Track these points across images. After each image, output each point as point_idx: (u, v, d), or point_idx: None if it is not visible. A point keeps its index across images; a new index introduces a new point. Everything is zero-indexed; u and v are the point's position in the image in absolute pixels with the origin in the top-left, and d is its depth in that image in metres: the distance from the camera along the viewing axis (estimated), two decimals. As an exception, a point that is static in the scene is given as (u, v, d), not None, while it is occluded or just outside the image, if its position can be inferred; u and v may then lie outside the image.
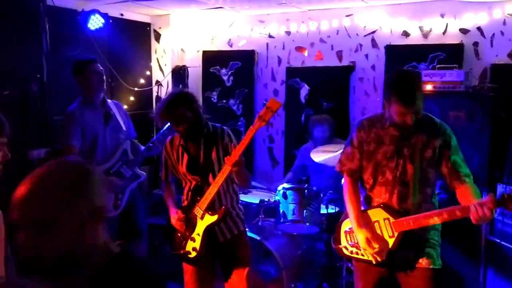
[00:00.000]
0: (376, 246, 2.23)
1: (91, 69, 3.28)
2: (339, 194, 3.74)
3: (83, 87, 3.32)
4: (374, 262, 2.29)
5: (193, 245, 2.63)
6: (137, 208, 3.51)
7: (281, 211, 3.47)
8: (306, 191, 3.47)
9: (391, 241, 2.24)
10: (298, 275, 3.55)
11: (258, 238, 3.36)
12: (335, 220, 3.67)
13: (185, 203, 2.76)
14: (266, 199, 3.60)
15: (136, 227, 3.60)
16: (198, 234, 2.61)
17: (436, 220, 2.09)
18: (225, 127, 2.76)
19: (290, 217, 3.42)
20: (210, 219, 2.60)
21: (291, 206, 3.44)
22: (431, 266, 2.23)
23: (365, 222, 2.31)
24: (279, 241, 3.49)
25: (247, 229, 3.35)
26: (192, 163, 2.68)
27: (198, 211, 2.63)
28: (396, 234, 2.22)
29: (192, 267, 2.73)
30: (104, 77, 3.38)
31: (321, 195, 3.59)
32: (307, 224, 3.41)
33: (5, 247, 1.38)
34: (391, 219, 2.24)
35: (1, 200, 1.39)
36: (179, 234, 2.71)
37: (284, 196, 3.47)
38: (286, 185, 3.56)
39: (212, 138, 2.68)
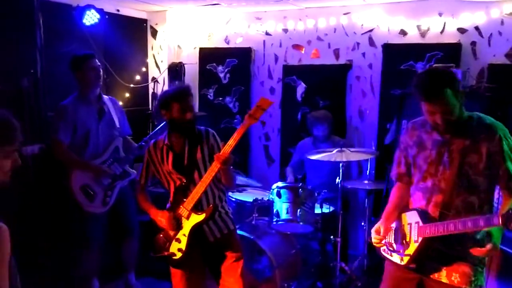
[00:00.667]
0: (379, 236, 2.25)
1: (89, 64, 3.28)
2: (334, 193, 3.73)
3: (80, 82, 3.31)
4: (399, 263, 2.23)
5: (178, 246, 2.59)
6: (127, 205, 3.49)
7: (274, 210, 3.44)
8: (300, 190, 3.45)
9: (414, 246, 2.16)
10: (291, 274, 3.53)
11: (252, 237, 3.34)
12: (330, 219, 3.68)
13: (171, 205, 2.69)
14: (260, 198, 3.58)
15: (127, 225, 3.59)
16: (184, 235, 2.57)
17: (458, 228, 1.95)
18: (209, 129, 2.75)
19: (283, 216, 3.39)
20: (197, 218, 2.57)
21: (285, 205, 3.42)
22: (463, 286, 2.07)
23: (391, 220, 2.30)
24: (273, 240, 3.47)
25: (240, 228, 3.36)
26: (177, 161, 2.66)
27: (183, 211, 2.59)
28: (419, 239, 2.14)
29: (181, 270, 2.68)
30: (101, 72, 3.37)
31: (316, 194, 3.57)
32: (301, 223, 3.38)
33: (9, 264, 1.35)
34: (420, 223, 2.15)
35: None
36: (161, 236, 2.66)
37: (278, 194, 3.45)
38: (280, 184, 3.54)
39: (196, 138, 2.67)
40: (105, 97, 3.48)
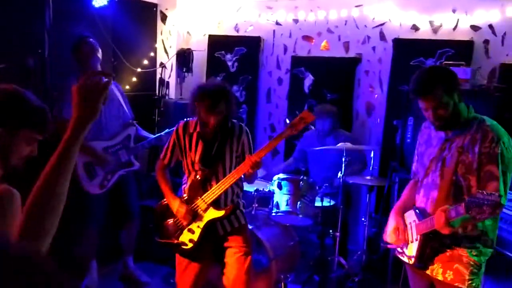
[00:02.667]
0: (399, 238, 2.24)
1: (83, 41, 3.34)
2: (335, 188, 3.71)
3: (79, 62, 3.34)
4: (408, 262, 2.25)
5: (190, 237, 2.58)
6: (129, 189, 3.51)
7: (274, 201, 3.43)
8: (301, 182, 3.42)
9: (415, 245, 2.18)
10: (289, 266, 3.53)
11: (250, 227, 3.33)
12: (331, 213, 3.66)
13: (187, 192, 2.66)
14: (261, 188, 3.57)
15: (128, 209, 3.60)
16: (199, 226, 2.57)
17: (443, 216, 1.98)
18: (244, 125, 2.72)
19: (283, 207, 3.38)
20: (215, 213, 2.56)
21: (285, 197, 3.40)
22: (456, 284, 2.08)
23: (401, 214, 2.31)
24: (271, 231, 3.46)
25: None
26: (206, 152, 2.61)
27: (201, 203, 2.57)
28: (418, 237, 2.16)
29: (188, 260, 2.67)
30: (99, 50, 3.37)
31: (317, 187, 3.55)
32: (300, 216, 3.37)
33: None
34: (417, 221, 2.19)
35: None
36: (172, 223, 2.64)
37: (279, 186, 3.43)
38: (281, 175, 3.52)
39: (229, 131, 2.63)
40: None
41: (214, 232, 2.64)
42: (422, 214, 2.16)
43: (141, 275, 3.69)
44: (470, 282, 2.07)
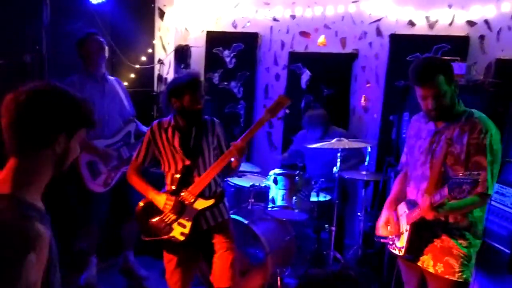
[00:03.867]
0: (390, 230, 2.28)
1: (90, 38, 3.35)
2: (332, 183, 3.74)
3: (85, 59, 3.36)
4: (398, 253, 2.29)
5: (181, 231, 2.58)
6: (130, 186, 3.53)
7: (270, 196, 3.46)
8: (297, 177, 3.45)
9: (406, 236, 2.21)
10: (285, 260, 3.57)
11: (246, 221, 3.37)
12: (327, 208, 3.70)
13: (170, 187, 2.65)
14: (257, 184, 3.60)
15: (130, 205, 3.62)
16: (188, 219, 2.57)
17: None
18: (215, 119, 2.74)
19: (279, 202, 3.41)
20: (204, 203, 2.56)
21: (281, 192, 3.43)
22: (447, 276, 2.12)
23: (394, 207, 2.35)
24: (267, 226, 3.50)
25: (235, 212, 3.39)
26: (184, 141, 2.63)
27: (188, 196, 2.57)
28: (408, 227, 2.19)
29: (176, 257, 2.69)
30: (106, 48, 3.40)
31: (313, 182, 3.58)
32: (296, 210, 3.40)
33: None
34: (406, 211, 2.23)
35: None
36: (158, 220, 2.61)
37: (275, 181, 3.47)
38: (277, 171, 3.55)
39: (202, 125, 2.66)
40: (110, 77, 3.51)
41: (198, 227, 2.63)
42: (412, 205, 2.20)
43: (140, 269, 3.73)
44: (460, 274, 2.10)
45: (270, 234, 3.42)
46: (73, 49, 3.38)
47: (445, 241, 2.13)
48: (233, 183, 3.77)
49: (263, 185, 3.61)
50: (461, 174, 1.87)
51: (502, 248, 2.51)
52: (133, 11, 4.54)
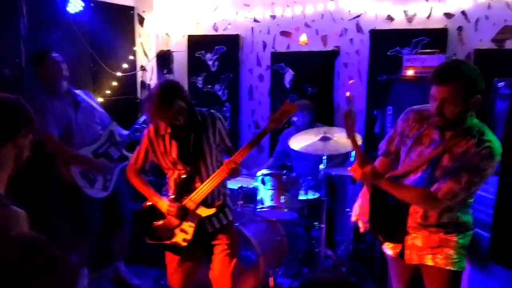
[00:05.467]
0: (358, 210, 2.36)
1: (50, 58, 3.27)
2: (319, 181, 3.75)
3: (45, 77, 3.27)
4: (391, 254, 2.31)
5: (184, 237, 2.59)
6: (121, 193, 3.51)
7: (259, 197, 3.47)
8: (284, 177, 3.46)
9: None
10: (277, 260, 3.57)
11: (236, 224, 3.36)
12: (316, 206, 3.71)
13: (172, 193, 2.66)
14: (245, 185, 3.60)
15: (120, 213, 3.61)
16: (191, 226, 2.57)
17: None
18: (214, 111, 2.68)
19: (267, 203, 3.42)
20: (206, 211, 2.57)
21: (269, 192, 3.44)
22: (448, 267, 2.14)
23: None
24: (257, 227, 3.50)
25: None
26: (183, 150, 2.58)
27: (190, 203, 2.57)
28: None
29: (178, 257, 2.69)
30: (65, 65, 3.32)
31: (300, 181, 3.59)
32: (285, 210, 3.41)
33: None
34: None
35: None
36: (162, 224, 2.63)
37: (263, 182, 3.47)
38: (264, 171, 3.56)
39: (201, 124, 2.58)
40: (77, 91, 3.45)
41: (203, 230, 2.65)
42: None
43: (132, 278, 3.71)
44: (458, 263, 2.14)
45: (260, 235, 3.42)
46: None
47: (441, 236, 2.15)
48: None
49: (251, 186, 3.61)
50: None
51: (486, 234, 2.55)
52: (112, 19, 4.51)
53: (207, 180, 2.54)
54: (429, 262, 2.18)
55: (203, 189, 2.55)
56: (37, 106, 3.18)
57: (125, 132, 3.59)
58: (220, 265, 2.71)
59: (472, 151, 1.95)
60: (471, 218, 2.21)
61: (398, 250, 2.28)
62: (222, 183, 2.70)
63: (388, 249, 2.36)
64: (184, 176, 2.60)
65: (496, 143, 1.98)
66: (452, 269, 2.14)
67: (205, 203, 2.59)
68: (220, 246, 2.72)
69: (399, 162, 2.30)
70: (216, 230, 2.70)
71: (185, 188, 2.60)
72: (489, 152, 1.94)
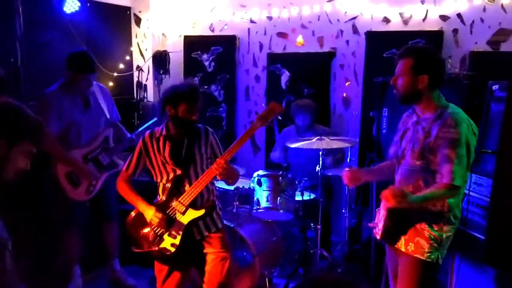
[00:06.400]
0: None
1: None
2: (315, 181, 3.76)
3: (70, 80, 3.26)
4: (377, 237, 2.37)
5: (172, 241, 2.57)
6: (109, 193, 3.50)
7: (255, 198, 3.47)
8: (280, 178, 3.46)
9: (382, 220, 2.30)
10: (273, 261, 3.58)
11: (232, 225, 3.37)
12: (312, 207, 3.71)
13: (161, 198, 2.65)
14: (241, 186, 3.60)
15: (106, 211, 3.61)
16: (179, 229, 2.56)
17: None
18: (208, 127, 2.74)
19: (263, 204, 3.42)
20: (195, 213, 2.57)
21: (265, 193, 3.44)
22: (416, 255, 2.21)
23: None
24: (253, 228, 3.50)
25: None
26: (175, 152, 2.62)
27: (179, 206, 2.57)
28: (384, 212, 2.27)
29: (168, 268, 2.68)
30: (93, 83, 3.37)
31: (296, 182, 3.60)
32: (281, 211, 3.41)
33: None
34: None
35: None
36: (149, 230, 2.60)
37: (259, 183, 3.47)
38: (261, 172, 3.56)
39: (195, 133, 2.65)
40: (93, 84, 3.44)
41: (191, 237, 2.64)
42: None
43: (127, 278, 3.70)
44: (428, 254, 2.20)
45: (256, 236, 3.43)
46: (49, 61, 3.34)
47: (418, 224, 2.22)
48: (217, 186, 3.75)
49: (247, 187, 3.62)
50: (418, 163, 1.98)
51: (481, 236, 2.57)
52: (109, 19, 4.50)
53: (197, 181, 2.56)
54: (402, 248, 2.26)
55: (192, 190, 2.56)
56: (41, 99, 3.20)
57: (129, 135, 3.60)
58: (212, 273, 2.69)
59: (441, 127, 2.12)
60: (459, 213, 2.25)
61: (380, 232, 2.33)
62: (212, 191, 2.72)
63: (376, 235, 2.41)
64: (172, 176, 2.61)
65: (456, 109, 2.18)
66: (422, 258, 2.20)
67: (194, 205, 2.59)
68: (210, 255, 2.70)
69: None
70: (203, 238, 2.68)
71: (174, 191, 2.61)
72: (452, 120, 2.10)
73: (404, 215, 2.22)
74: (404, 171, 2.30)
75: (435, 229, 2.19)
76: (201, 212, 2.58)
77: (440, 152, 2.11)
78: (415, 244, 2.22)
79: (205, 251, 2.71)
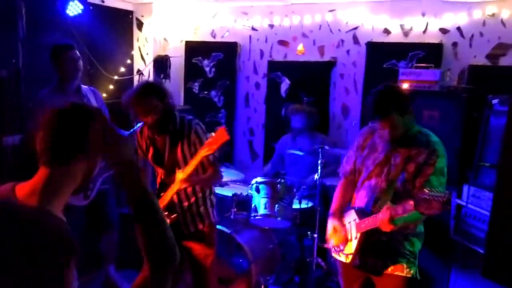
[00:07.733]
0: (339, 237, 2.35)
1: (68, 55, 3.27)
2: (313, 190, 3.77)
3: (58, 73, 3.29)
4: (345, 261, 2.36)
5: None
6: (107, 197, 3.50)
7: (253, 205, 3.47)
8: (278, 185, 3.47)
9: (355, 243, 2.30)
10: (269, 268, 3.57)
11: (229, 231, 3.37)
12: (309, 215, 3.72)
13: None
14: (239, 193, 3.60)
15: (107, 217, 3.59)
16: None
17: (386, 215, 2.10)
18: (194, 123, 2.67)
19: (261, 211, 3.42)
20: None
21: (263, 200, 3.44)
22: (397, 273, 2.25)
23: (340, 216, 2.42)
24: (250, 235, 3.50)
25: (218, 222, 3.38)
26: (157, 158, 2.67)
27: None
28: (358, 235, 2.28)
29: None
30: (81, 64, 3.35)
31: (294, 190, 3.60)
32: (279, 218, 3.42)
33: None
34: (357, 220, 2.30)
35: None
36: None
37: (257, 190, 3.48)
38: (259, 179, 3.57)
39: (178, 134, 2.63)
40: (85, 87, 3.45)
41: (180, 233, 2.66)
42: (362, 214, 2.29)
43: (123, 282, 3.68)
44: (408, 270, 2.24)
45: (253, 243, 3.43)
46: (50, 63, 3.34)
47: (391, 244, 2.25)
48: (216, 192, 3.76)
49: (245, 194, 3.62)
50: (428, 190, 1.94)
51: (479, 250, 2.57)
52: (111, 22, 4.52)
53: (168, 189, 2.59)
54: (380, 269, 2.27)
55: (166, 195, 2.61)
56: (36, 101, 3.20)
57: (125, 133, 3.59)
58: (194, 267, 2.77)
59: (425, 153, 2.18)
60: (421, 227, 2.32)
61: (351, 256, 2.34)
62: (195, 188, 2.71)
63: (341, 255, 2.41)
64: (160, 179, 2.69)
65: (440, 141, 2.25)
66: (404, 275, 2.23)
67: (171, 209, 2.64)
68: (195, 251, 2.75)
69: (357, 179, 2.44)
70: (190, 233, 2.73)
71: (161, 191, 2.67)
72: (439, 151, 2.19)
73: (378, 237, 2.25)
74: (371, 192, 2.31)
75: (409, 245, 2.26)
76: (172, 217, 2.63)
77: (424, 174, 2.16)
78: (394, 265, 2.25)
79: (189, 246, 2.75)
